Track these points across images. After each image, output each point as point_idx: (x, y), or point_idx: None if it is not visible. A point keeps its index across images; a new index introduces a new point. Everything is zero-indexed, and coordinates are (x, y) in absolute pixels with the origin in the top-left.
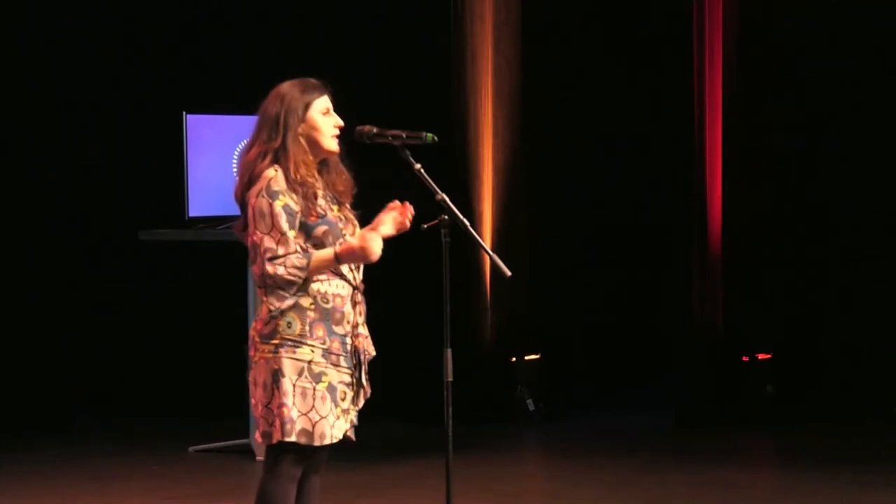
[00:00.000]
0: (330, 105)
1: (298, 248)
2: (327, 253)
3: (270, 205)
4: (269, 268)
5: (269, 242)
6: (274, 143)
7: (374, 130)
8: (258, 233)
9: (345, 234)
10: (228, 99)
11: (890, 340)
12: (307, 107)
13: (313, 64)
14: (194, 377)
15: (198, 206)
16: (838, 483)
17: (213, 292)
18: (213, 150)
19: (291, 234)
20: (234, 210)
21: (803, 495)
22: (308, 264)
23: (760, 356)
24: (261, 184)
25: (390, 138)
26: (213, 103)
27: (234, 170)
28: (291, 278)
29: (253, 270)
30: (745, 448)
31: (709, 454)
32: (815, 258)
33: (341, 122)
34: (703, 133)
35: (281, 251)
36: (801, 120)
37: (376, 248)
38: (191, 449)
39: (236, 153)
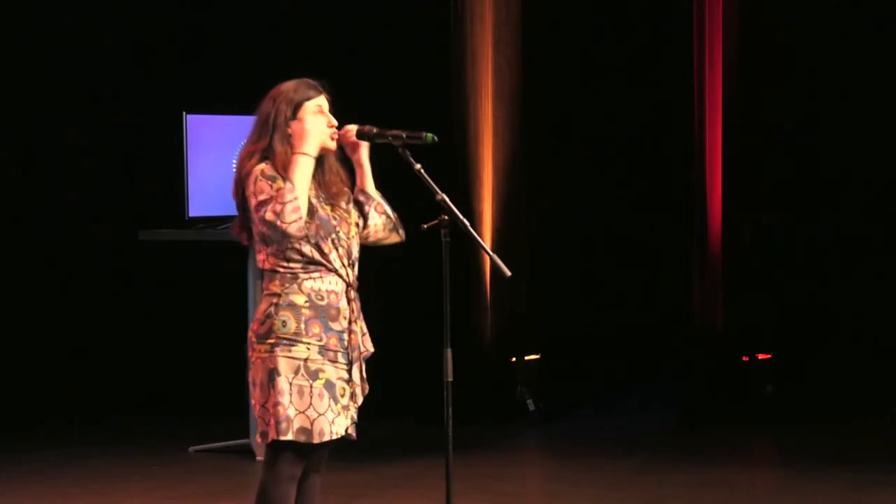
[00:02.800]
0: (325, 105)
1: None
2: (294, 162)
3: (270, 185)
4: (269, 215)
5: (274, 202)
6: (261, 143)
7: (374, 130)
8: (261, 209)
9: (338, 231)
10: (228, 99)
11: (890, 340)
12: (298, 107)
13: (313, 64)
14: (194, 377)
15: (198, 206)
16: (838, 483)
17: (213, 292)
18: (213, 150)
19: None
20: (234, 210)
21: (803, 495)
22: (293, 184)
23: (760, 356)
24: (254, 175)
25: (390, 138)
26: (213, 103)
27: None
28: (291, 204)
29: (263, 252)
30: (745, 448)
31: (709, 454)
32: (815, 258)
33: (335, 122)
34: (703, 133)
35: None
36: (802, 120)
37: (316, 125)
38: (191, 449)
39: (236, 153)
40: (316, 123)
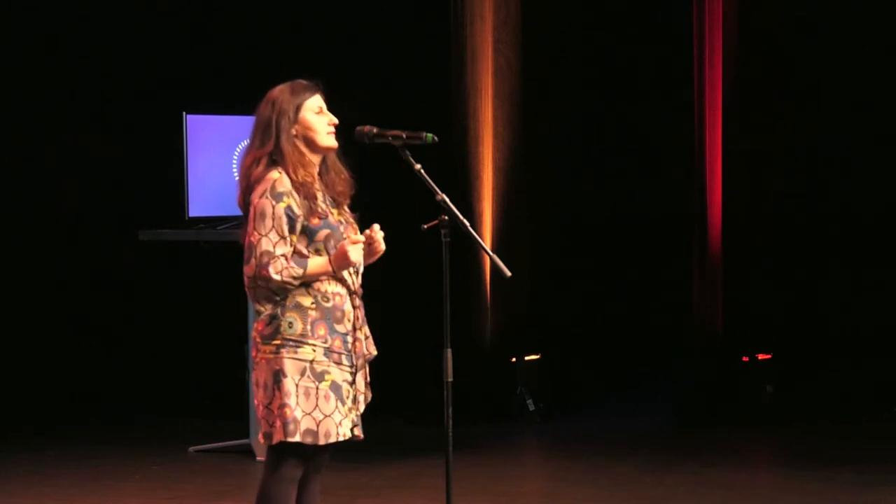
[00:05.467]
0: (322, 104)
1: (293, 254)
2: (322, 260)
3: (273, 207)
4: (266, 271)
5: (266, 245)
6: (267, 148)
7: (375, 131)
8: (256, 234)
9: (344, 239)
10: (228, 99)
11: (890, 340)
12: (298, 108)
13: (313, 64)
14: (194, 377)
15: (198, 206)
16: (838, 483)
17: (213, 292)
18: (213, 150)
19: (292, 237)
20: (234, 210)
21: (803, 495)
22: (304, 273)
23: (760, 356)
24: (265, 185)
25: (390, 139)
26: (213, 103)
27: (235, 170)
28: (285, 285)
29: (245, 270)
30: (745, 448)
31: (709, 454)
32: (815, 258)
33: (336, 120)
34: (703, 133)
35: (279, 252)
36: (802, 120)
37: (355, 255)
38: (191, 449)
39: (236, 153)
40: (319, 122)
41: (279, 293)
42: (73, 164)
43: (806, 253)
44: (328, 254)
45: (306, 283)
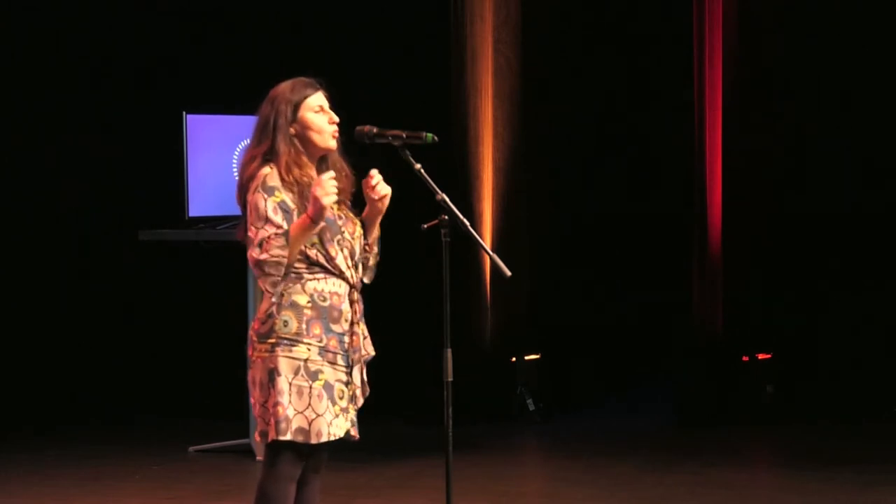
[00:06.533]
0: (324, 102)
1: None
2: (300, 219)
3: (265, 200)
4: (255, 254)
5: (263, 236)
6: (263, 147)
7: (375, 130)
8: (253, 228)
9: (343, 232)
10: (228, 99)
11: (890, 340)
12: (297, 107)
13: (313, 63)
14: (194, 377)
15: (198, 206)
16: (838, 483)
17: (213, 292)
18: (213, 150)
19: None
20: (234, 210)
21: (803, 495)
22: (287, 240)
23: (760, 356)
24: (256, 181)
25: (390, 138)
26: (213, 103)
27: (235, 170)
28: (276, 259)
29: (250, 264)
30: (745, 448)
31: (709, 454)
32: (815, 258)
33: (336, 119)
34: (703, 133)
35: (268, 234)
36: (802, 120)
37: (325, 196)
38: (191, 449)
39: (236, 153)
40: (319, 121)
41: (275, 270)
42: (73, 164)
43: (806, 253)
44: (325, 251)
45: (304, 282)
